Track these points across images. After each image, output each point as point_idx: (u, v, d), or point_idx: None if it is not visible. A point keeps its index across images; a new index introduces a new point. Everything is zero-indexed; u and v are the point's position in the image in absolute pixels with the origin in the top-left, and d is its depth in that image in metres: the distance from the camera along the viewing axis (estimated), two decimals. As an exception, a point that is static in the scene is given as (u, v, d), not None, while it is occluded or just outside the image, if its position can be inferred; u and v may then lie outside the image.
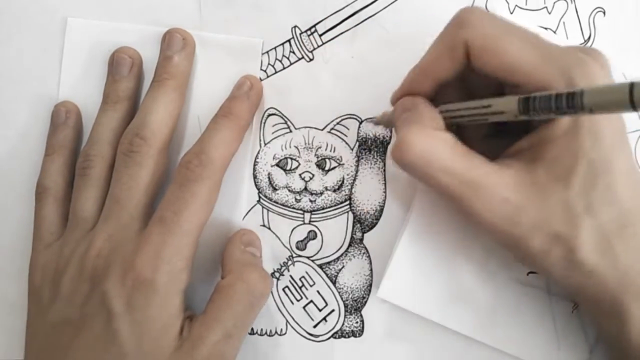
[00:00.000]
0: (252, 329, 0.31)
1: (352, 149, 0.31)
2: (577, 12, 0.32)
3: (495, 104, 0.23)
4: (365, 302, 0.31)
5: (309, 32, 0.31)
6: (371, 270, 0.31)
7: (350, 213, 0.31)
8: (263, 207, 0.31)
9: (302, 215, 0.31)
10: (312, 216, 0.31)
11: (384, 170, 0.31)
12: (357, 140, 0.31)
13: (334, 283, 0.31)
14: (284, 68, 0.31)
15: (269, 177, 0.31)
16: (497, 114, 0.23)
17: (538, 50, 0.23)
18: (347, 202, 0.31)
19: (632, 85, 0.17)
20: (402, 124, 0.25)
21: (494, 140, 0.27)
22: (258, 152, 0.31)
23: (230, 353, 0.27)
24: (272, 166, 0.31)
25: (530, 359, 0.29)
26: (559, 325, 0.29)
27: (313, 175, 0.31)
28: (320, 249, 0.31)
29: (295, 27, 0.31)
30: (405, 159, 0.24)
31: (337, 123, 0.31)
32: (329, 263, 0.31)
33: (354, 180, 0.31)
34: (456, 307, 0.30)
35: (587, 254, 0.23)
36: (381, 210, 0.31)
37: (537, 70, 0.22)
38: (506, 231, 0.24)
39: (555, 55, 0.23)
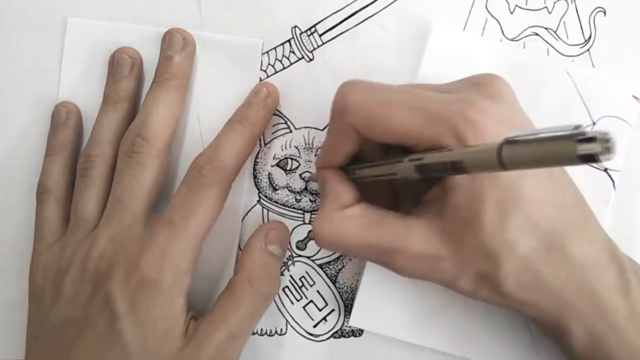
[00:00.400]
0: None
1: (352, 149, 0.31)
2: (577, 12, 0.31)
3: (399, 171, 0.23)
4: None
5: (309, 32, 0.31)
6: (371, 270, 0.31)
7: (350, 213, 0.31)
8: (263, 207, 0.31)
9: (302, 215, 0.31)
10: (312, 216, 0.31)
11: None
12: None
13: (334, 283, 0.31)
14: (284, 68, 0.31)
15: (269, 177, 0.31)
16: (402, 177, 0.24)
17: (420, 112, 0.23)
18: (347, 202, 0.31)
19: (500, 147, 0.17)
20: (320, 203, 0.26)
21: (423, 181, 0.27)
22: (258, 152, 0.31)
23: (234, 353, 0.27)
24: (272, 166, 0.31)
25: None
26: (535, 333, 0.29)
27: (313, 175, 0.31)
28: (320, 249, 0.31)
29: (295, 27, 0.31)
30: (319, 244, 0.25)
31: (337, 123, 0.31)
32: (329, 263, 0.31)
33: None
34: (429, 324, 0.29)
35: (512, 286, 0.23)
36: (381, 210, 0.31)
37: (425, 132, 0.23)
38: (433, 280, 0.25)
39: (438, 112, 0.23)
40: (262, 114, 0.29)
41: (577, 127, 0.15)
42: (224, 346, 0.26)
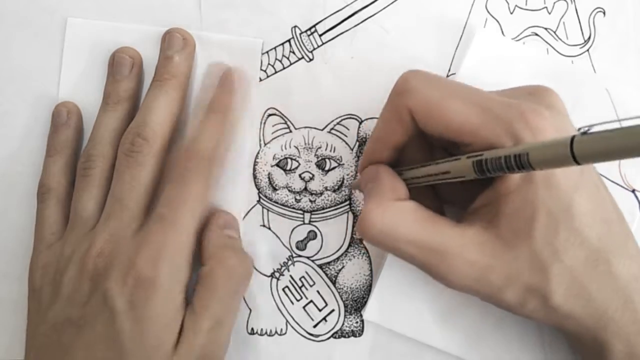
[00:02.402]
0: (253, 329, 0.31)
1: (352, 149, 0.31)
2: (577, 12, 0.32)
3: (453, 169, 0.23)
4: (365, 302, 0.31)
5: (309, 32, 0.31)
6: (371, 270, 0.31)
7: (350, 213, 0.31)
8: (263, 207, 0.31)
9: (302, 215, 0.31)
10: (312, 216, 0.31)
11: (384, 171, 0.31)
12: (357, 140, 0.31)
13: (334, 283, 0.31)
14: (284, 68, 0.31)
15: (269, 177, 0.31)
16: (457, 177, 0.23)
17: (480, 109, 0.23)
18: (347, 202, 0.31)
19: (572, 139, 0.17)
20: (366, 197, 0.26)
21: (465, 189, 0.26)
22: (258, 152, 0.31)
23: (224, 338, 0.28)
24: (272, 166, 0.31)
25: None
26: (547, 343, 0.29)
27: (313, 175, 0.31)
28: (320, 249, 0.31)
29: (295, 27, 0.31)
30: (367, 234, 0.24)
31: (337, 123, 0.31)
32: (329, 263, 0.31)
33: (354, 180, 0.31)
34: (443, 326, 0.29)
35: (560, 299, 0.23)
36: (381, 210, 0.31)
37: (481, 130, 0.23)
38: (478, 290, 0.24)
39: (497, 112, 0.23)
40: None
41: None
42: (213, 332, 0.26)
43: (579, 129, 0.17)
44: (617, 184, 0.30)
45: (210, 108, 0.29)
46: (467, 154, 0.22)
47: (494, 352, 0.29)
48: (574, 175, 0.23)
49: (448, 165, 0.23)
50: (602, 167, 0.30)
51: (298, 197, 0.31)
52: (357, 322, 0.31)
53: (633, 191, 0.30)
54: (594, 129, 0.16)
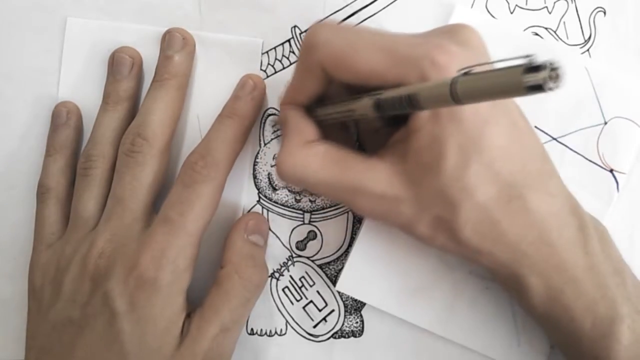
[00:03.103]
0: (252, 329, 0.31)
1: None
2: (577, 12, 0.32)
3: (356, 107, 0.24)
4: (365, 302, 0.31)
5: (309, 32, 0.31)
6: (371, 270, 0.31)
7: (350, 213, 0.31)
8: (263, 207, 0.31)
9: (302, 216, 0.31)
10: (312, 216, 0.31)
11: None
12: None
13: (333, 283, 0.31)
14: (284, 68, 0.31)
15: (269, 177, 0.31)
16: (362, 115, 0.24)
17: (386, 52, 0.23)
18: (347, 202, 0.31)
19: (452, 81, 0.17)
20: (282, 139, 0.26)
21: (388, 128, 0.27)
22: (258, 152, 0.31)
23: (229, 346, 0.27)
24: (272, 166, 0.31)
25: (489, 353, 0.29)
26: (519, 319, 0.29)
27: (313, 175, 0.31)
28: (320, 249, 0.31)
29: (295, 27, 0.31)
30: (282, 177, 0.26)
31: (337, 123, 0.31)
32: (329, 263, 0.31)
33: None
34: (414, 300, 0.30)
35: (470, 233, 0.24)
36: (381, 210, 0.31)
37: (389, 73, 0.23)
38: (392, 222, 0.25)
39: (404, 53, 0.23)
40: (250, 106, 0.30)
41: (527, 56, 0.15)
42: (219, 339, 0.26)
43: (459, 71, 0.17)
44: (595, 164, 0.30)
45: (225, 113, 0.29)
46: (369, 93, 0.23)
47: (465, 328, 0.29)
48: (483, 109, 0.23)
49: (352, 104, 0.24)
50: (579, 146, 0.30)
51: (298, 197, 0.31)
52: (357, 322, 0.31)
53: (611, 171, 0.30)
54: (476, 70, 0.16)
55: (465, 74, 0.17)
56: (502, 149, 0.23)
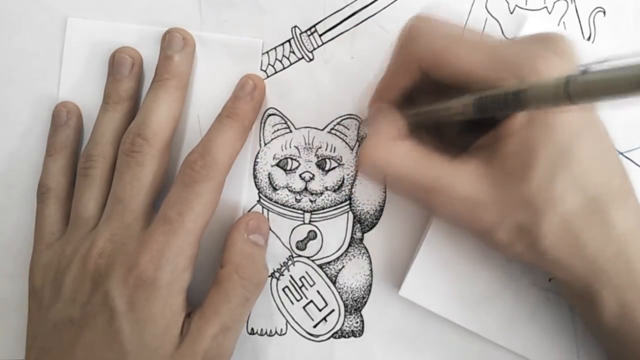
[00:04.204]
0: (252, 329, 0.31)
1: (352, 149, 0.31)
2: (577, 12, 0.32)
3: (454, 105, 0.23)
4: (365, 302, 0.31)
5: (309, 32, 0.31)
6: (371, 270, 0.31)
7: (350, 213, 0.31)
8: (263, 207, 0.31)
9: (302, 215, 0.31)
10: (312, 216, 0.31)
11: (384, 170, 0.31)
12: (357, 140, 0.31)
13: (334, 283, 0.31)
14: (284, 68, 0.31)
15: (269, 177, 0.31)
16: (458, 114, 0.23)
17: (487, 54, 0.23)
18: (347, 202, 0.31)
19: (567, 79, 0.17)
20: (368, 134, 0.26)
21: (470, 134, 0.27)
22: (258, 152, 0.31)
23: (229, 345, 0.27)
24: (272, 166, 0.31)
25: None
26: (579, 333, 0.29)
27: (313, 175, 0.31)
28: (320, 249, 0.31)
29: (295, 27, 0.31)
30: (361, 166, 0.25)
31: (337, 123, 0.31)
32: (329, 263, 0.31)
33: (354, 180, 0.31)
34: (477, 309, 0.29)
35: (550, 243, 0.23)
36: (381, 210, 0.31)
37: (489, 74, 0.23)
38: (470, 226, 0.25)
39: (505, 56, 0.23)
40: (249, 106, 0.30)
41: None
42: (219, 339, 0.26)
43: (577, 68, 0.17)
44: None
45: (225, 113, 0.29)
46: (471, 93, 0.23)
47: (525, 338, 0.29)
48: (575, 121, 0.23)
49: (450, 102, 0.24)
50: None
51: (298, 197, 0.31)
52: (357, 322, 0.31)
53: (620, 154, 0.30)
54: (593, 68, 0.16)
55: (579, 72, 0.16)
56: (589, 162, 0.23)
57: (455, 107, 0.23)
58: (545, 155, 0.23)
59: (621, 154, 0.30)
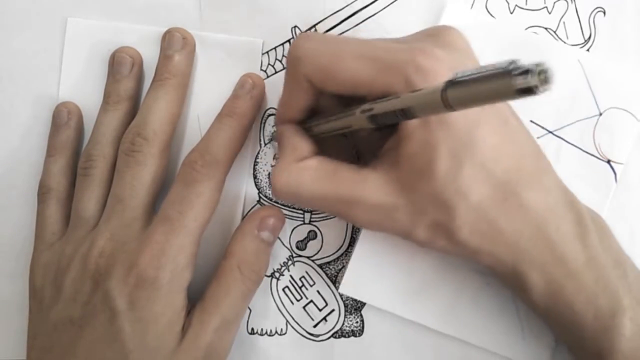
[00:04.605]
0: (252, 329, 0.31)
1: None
2: (577, 12, 0.32)
3: (353, 123, 0.24)
4: (365, 302, 0.31)
5: (309, 32, 0.31)
6: (371, 270, 0.31)
7: (350, 213, 0.31)
8: (263, 207, 0.31)
9: (302, 215, 0.31)
10: (312, 216, 0.31)
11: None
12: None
13: (334, 283, 0.31)
14: (284, 68, 0.31)
15: (269, 177, 0.31)
16: (359, 129, 0.24)
17: (370, 61, 0.23)
18: (347, 202, 0.31)
19: (442, 91, 0.17)
20: (277, 158, 0.27)
21: (381, 132, 0.27)
22: (258, 152, 0.31)
23: (229, 338, 0.28)
24: (272, 166, 0.31)
25: (494, 349, 0.29)
26: (522, 313, 0.29)
27: (313, 175, 0.31)
28: (320, 249, 0.31)
29: (295, 27, 0.31)
30: (276, 195, 0.26)
31: (337, 123, 0.31)
32: (329, 263, 0.31)
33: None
34: (418, 299, 0.30)
35: (467, 234, 0.24)
36: (381, 210, 0.31)
37: (376, 82, 0.23)
38: (389, 230, 0.25)
39: (388, 60, 0.23)
40: (249, 105, 0.30)
41: (512, 62, 0.15)
42: (220, 332, 0.27)
43: (449, 79, 0.17)
44: (592, 155, 0.30)
45: (224, 112, 0.29)
46: (361, 108, 0.23)
47: (469, 324, 0.29)
48: (472, 112, 0.23)
49: (348, 120, 0.24)
50: (576, 138, 0.30)
51: (298, 197, 0.31)
52: (357, 322, 0.31)
53: (608, 162, 0.30)
54: (464, 74, 0.17)
55: (452, 81, 0.17)
56: (493, 148, 0.23)
57: (356, 125, 0.24)
58: (446, 150, 0.23)
59: (550, 132, 0.30)
